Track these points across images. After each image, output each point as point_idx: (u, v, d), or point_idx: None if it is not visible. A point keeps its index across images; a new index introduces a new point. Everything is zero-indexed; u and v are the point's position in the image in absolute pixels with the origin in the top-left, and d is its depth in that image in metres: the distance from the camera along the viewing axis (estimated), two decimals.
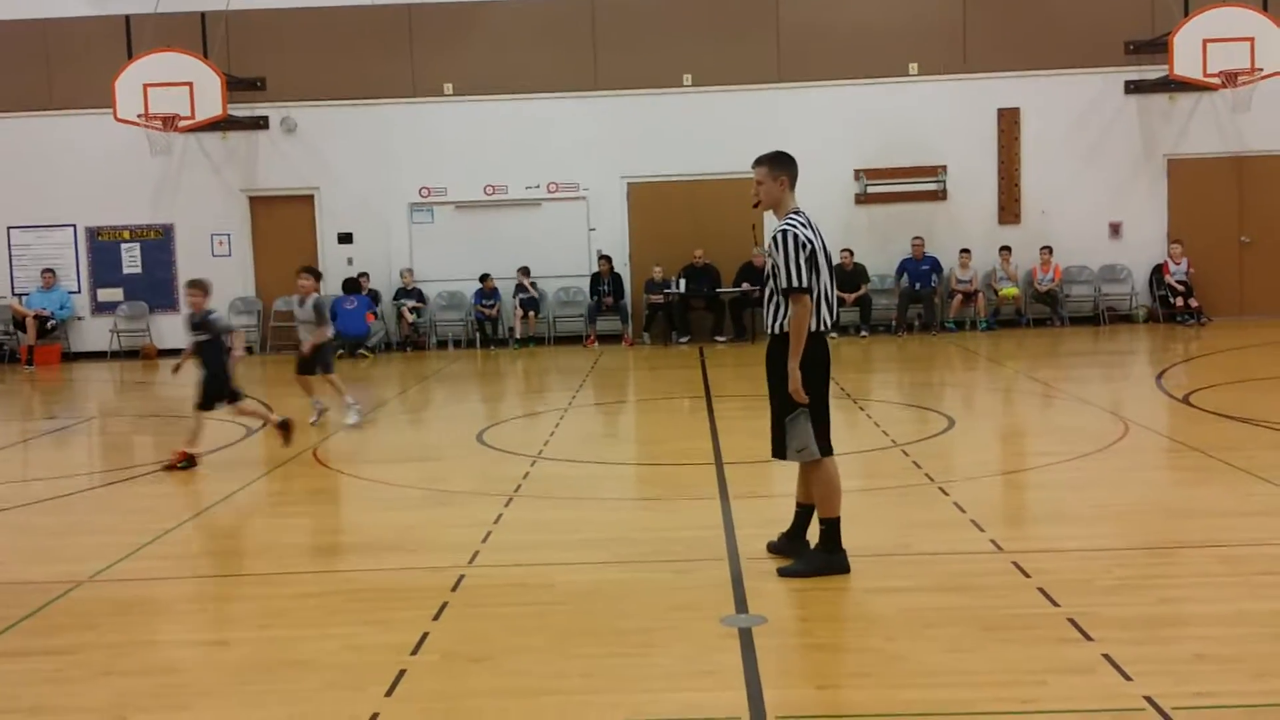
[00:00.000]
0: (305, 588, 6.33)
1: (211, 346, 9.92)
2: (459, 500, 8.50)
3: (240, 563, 7.07)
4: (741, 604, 5.64)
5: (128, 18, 17.89)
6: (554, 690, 4.69)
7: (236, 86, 17.80)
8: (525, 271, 19.39)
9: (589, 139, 19.36)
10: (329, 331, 11.70)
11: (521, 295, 19.33)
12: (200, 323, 9.95)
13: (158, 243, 19.64)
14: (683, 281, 19.20)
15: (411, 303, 19.41)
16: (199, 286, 10.06)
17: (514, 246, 19.53)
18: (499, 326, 19.58)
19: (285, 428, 10.26)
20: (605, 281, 19.40)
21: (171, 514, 8.13)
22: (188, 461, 9.72)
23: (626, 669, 4.91)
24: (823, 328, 5.98)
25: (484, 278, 19.30)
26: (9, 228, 19.50)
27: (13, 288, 19.54)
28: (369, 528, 7.68)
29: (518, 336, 19.39)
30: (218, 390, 9.91)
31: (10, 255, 19.56)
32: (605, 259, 19.43)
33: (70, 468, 10.62)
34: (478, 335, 19.48)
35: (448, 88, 19.31)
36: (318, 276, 11.88)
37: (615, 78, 19.29)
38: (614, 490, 8.89)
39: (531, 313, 19.37)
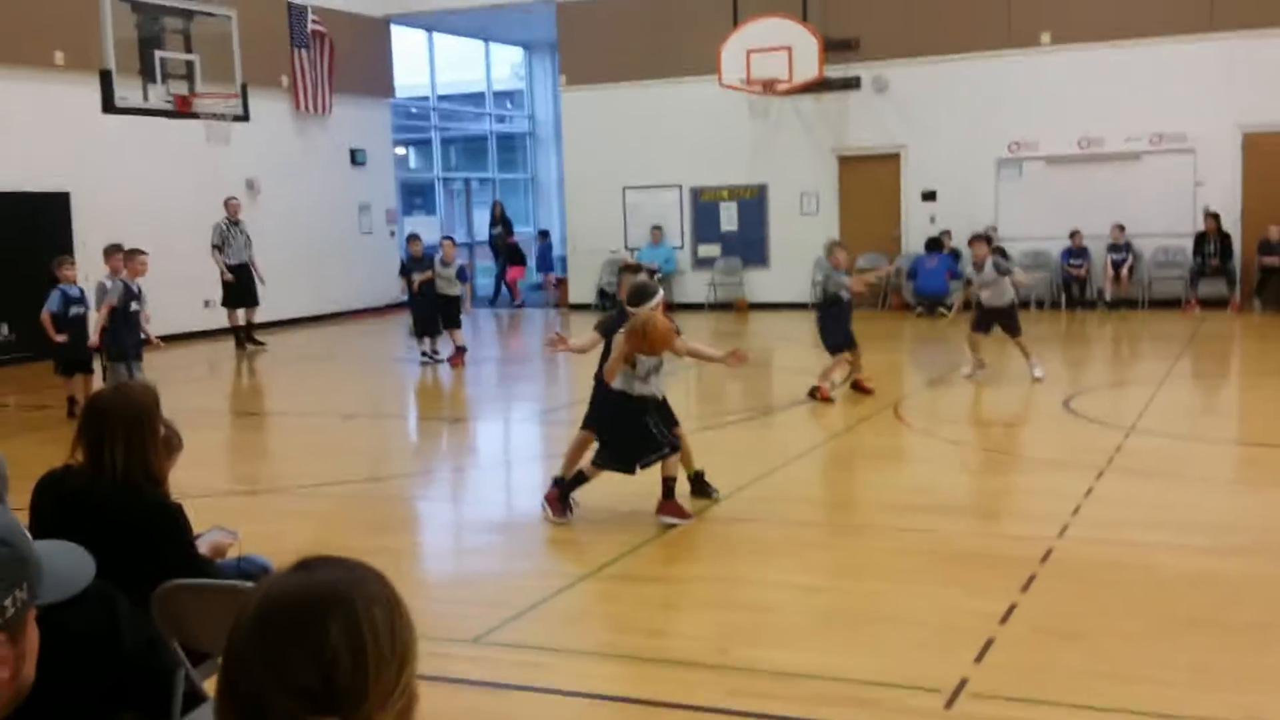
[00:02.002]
0: (890, 543, 6.46)
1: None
2: (1045, 468, 8.25)
3: (828, 512, 7.35)
4: None
5: None
6: (1154, 679, 4.44)
7: (832, 48, 18.27)
8: (1120, 229, 18.28)
9: (1201, 85, 17.76)
10: (1009, 292, 11.82)
11: (1114, 255, 18.27)
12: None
13: (753, 202, 20.74)
14: None
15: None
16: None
17: (1108, 202, 18.44)
18: (1088, 287, 18.64)
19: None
20: (1212, 241, 17.80)
21: (764, 460, 8.61)
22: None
23: (1239, 666, 4.54)
24: None
25: (1073, 235, 18.44)
26: (624, 188, 21.46)
27: (626, 243, 21.51)
28: (952, 489, 7.66)
29: (1108, 299, 18.35)
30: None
31: (625, 213, 21.54)
32: (1213, 216, 17.82)
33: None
34: (1064, 296, 18.68)
35: (1045, 37, 18.54)
36: (989, 241, 12.18)
37: (1235, 16, 17.51)
38: (1217, 471, 8.19)
39: (1125, 273, 18.25)
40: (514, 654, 4.98)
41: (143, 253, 10.98)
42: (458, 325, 14.45)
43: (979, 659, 4.65)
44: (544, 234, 24.84)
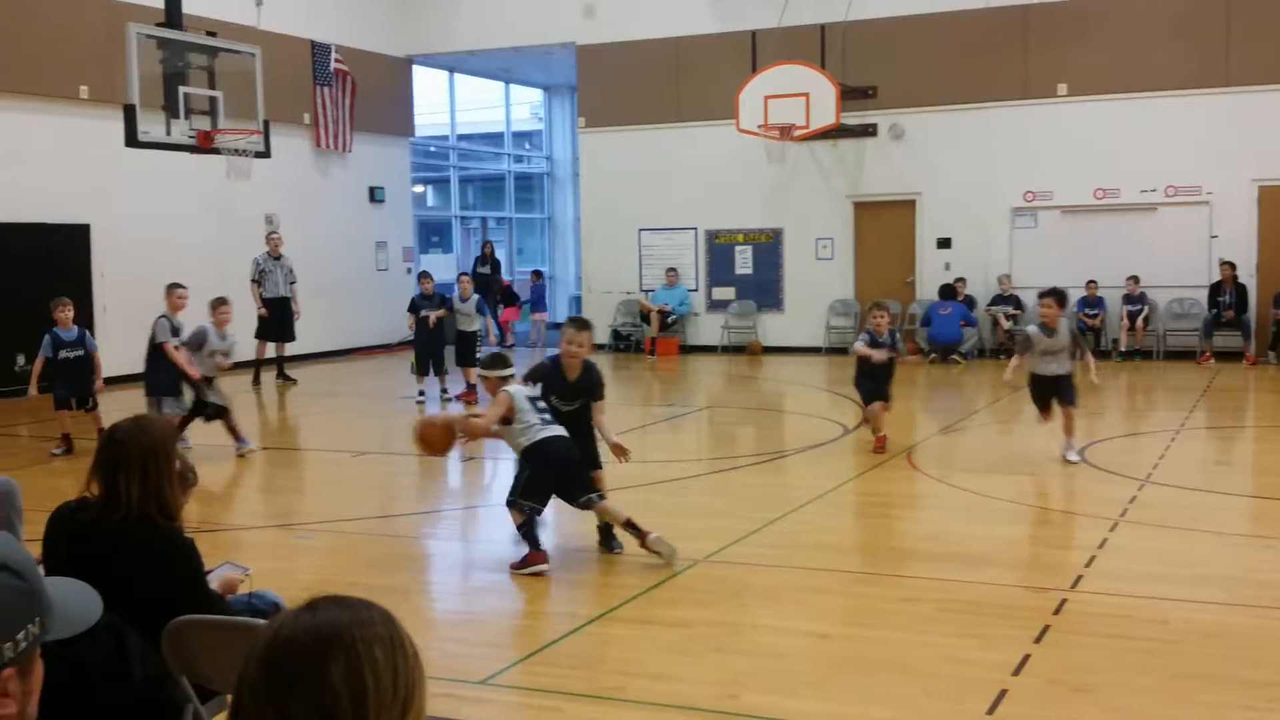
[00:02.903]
0: (902, 591, 6.42)
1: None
2: (1059, 519, 8.22)
3: (839, 558, 7.30)
4: None
5: (753, 33, 19.06)
6: None
7: (849, 95, 18.36)
8: (1135, 280, 18.26)
9: (1217, 139, 17.80)
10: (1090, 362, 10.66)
11: (1129, 305, 18.24)
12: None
13: (768, 246, 20.78)
14: None
15: (1008, 309, 18.99)
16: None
17: (1123, 253, 18.46)
18: (1102, 337, 18.61)
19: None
20: (1227, 293, 17.78)
21: (775, 504, 8.57)
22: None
23: None
24: None
25: (1088, 285, 18.43)
26: (640, 230, 21.54)
27: (641, 284, 21.56)
28: (965, 538, 7.61)
29: (1122, 349, 18.31)
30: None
31: (640, 255, 21.61)
32: (1229, 265, 17.81)
33: (684, 452, 11.54)
34: None
35: (1061, 88, 18.62)
36: (1063, 300, 10.44)
37: (1252, 72, 17.58)
38: (1233, 525, 8.13)
39: (1139, 324, 18.22)
40: (522, 696, 4.96)
41: (181, 286, 11.24)
42: (474, 363, 14.42)
43: (991, 710, 4.61)
44: (537, 274, 24.83)
